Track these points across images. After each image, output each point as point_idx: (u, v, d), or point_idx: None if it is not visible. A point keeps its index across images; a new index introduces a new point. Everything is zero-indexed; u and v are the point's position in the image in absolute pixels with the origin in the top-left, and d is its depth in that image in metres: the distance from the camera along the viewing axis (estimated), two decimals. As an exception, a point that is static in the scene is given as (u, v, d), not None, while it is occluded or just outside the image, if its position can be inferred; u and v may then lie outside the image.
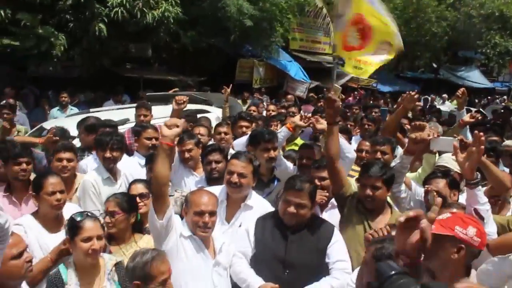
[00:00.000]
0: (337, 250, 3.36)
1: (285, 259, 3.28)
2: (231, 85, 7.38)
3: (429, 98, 20.35)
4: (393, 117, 5.51)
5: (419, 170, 4.66)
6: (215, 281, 3.21)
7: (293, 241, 3.33)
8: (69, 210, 3.55)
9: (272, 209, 3.78)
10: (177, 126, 3.04)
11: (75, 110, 9.57)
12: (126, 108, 7.59)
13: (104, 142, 4.43)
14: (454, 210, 3.16)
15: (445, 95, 20.97)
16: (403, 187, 3.87)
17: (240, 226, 3.63)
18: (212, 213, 3.23)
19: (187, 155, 4.77)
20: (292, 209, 3.30)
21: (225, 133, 5.53)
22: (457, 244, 2.33)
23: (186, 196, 3.39)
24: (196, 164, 4.82)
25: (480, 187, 3.13)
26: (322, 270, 3.34)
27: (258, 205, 3.76)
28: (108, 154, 4.41)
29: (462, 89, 5.44)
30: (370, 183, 3.54)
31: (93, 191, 4.27)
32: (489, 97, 26.40)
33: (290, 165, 4.81)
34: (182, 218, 3.37)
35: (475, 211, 3.08)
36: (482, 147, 2.99)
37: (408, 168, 3.94)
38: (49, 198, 3.46)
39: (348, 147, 4.47)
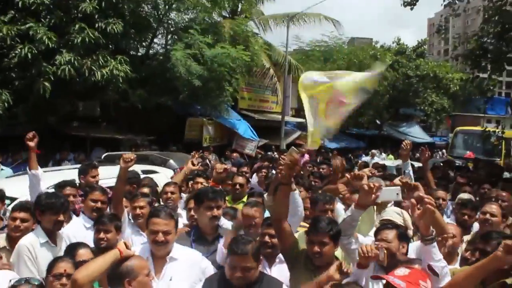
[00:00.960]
0: None
1: None
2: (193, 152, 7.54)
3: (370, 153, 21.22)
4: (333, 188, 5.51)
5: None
6: None
7: None
8: (5, 277, 3.32)
9: (199, 257, 3.85)
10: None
11: (7, 170, 9.12)
12: (72, 168, 7.38)
13: (58, 204, 4.24)
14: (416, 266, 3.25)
15: (373, 151, 21.92)
16: (353, 239, 3.90)
17: (171, 279, 3.61)
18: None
19: (138, 211, 4.79)
20: (238, 274, 3.30)
21: (172, 193, 5.60)
22: None
23: (121, 268, 3.20)
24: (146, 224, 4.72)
25: (435, 243, 3.21)
26: None
27: (183, 255, 3.75)
28: (61, 217, 4.25)
29: (406, 141, 5.69)
30: (318, 239, 3.58)
31: (28, 255, 4.01)
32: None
33: (229, 223, 4.72)
34: None
35: (429, 267, 3.15)
36: (432, 207, 3.15)
37: (358, 221, 3.94)
38: None
39: (301, 204, 4.50)
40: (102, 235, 4.06)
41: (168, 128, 16.31)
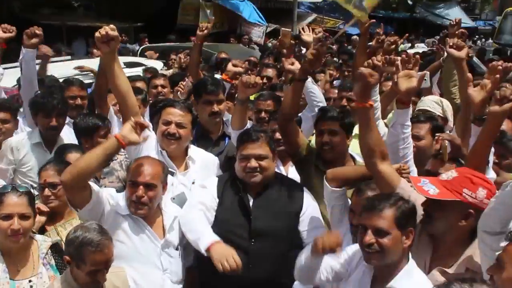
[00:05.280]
0: (311, 217, 3.41)
1: (251, 228, 3.28)
2: None
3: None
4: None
5: (390, 114, 4.55)
6: (164, 264, 3.18)
7: (258, 206, 3.34)
8: None
9: (215, 160, 3.88)
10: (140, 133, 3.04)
11: None
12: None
13: (49, 106, 4.14)
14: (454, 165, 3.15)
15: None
16: (380, 127, 3.77)
17: (193, 183, 3.64)
18: (149, 186, 3.12)
19: None
20: (253, 163, 3.27)
21: (162, 86, 5.58)
22: (465, 210, 2.37)
23: (129, 164, 3.34)
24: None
25: None
26: (293, 236, 3.37)
27: (200, 157, 3.80)
28: (53, 123, 4.16)
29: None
30: (327, 127, 3.60)
31: (7, 155, 4.13)
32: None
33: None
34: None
35: None
36: (498, 76, 2.99)
37: (377, 101, 3.89)
38: None
39: (321, 96, 4.55)
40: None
41: (159, 13, 15.84)
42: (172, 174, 3.54)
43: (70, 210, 3.39)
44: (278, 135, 3.93)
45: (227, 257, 2.99)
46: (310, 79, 4.27)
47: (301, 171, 3.82)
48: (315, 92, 4.45)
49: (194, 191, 3.51)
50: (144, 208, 3.11)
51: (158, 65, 7.68)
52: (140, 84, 5.42)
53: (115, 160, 4.01)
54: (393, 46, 5.43)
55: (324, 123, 3.63)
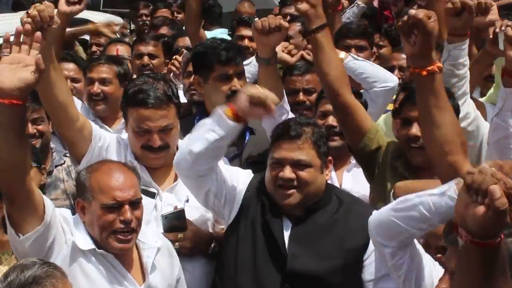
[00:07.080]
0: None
1: (285, 269, 2.69)
2: None
3: None
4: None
5: (492, 90, 3.96)
6: None
7: (298, 238, 2.72)
8: None
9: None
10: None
11: None
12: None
13: None
14: None
15: None
16: (468, 105, 3.11)
17: (187, 201, 3.03)
18: (135, 204, 2.49)
19: (96, 88, 3.83)
20: (287, 172, 2.64)
21: (151, 56, 4.52)
22: None
23: (79, 176, 2.64)
24: (115, 113, 3.88)
25: None
26: (351, 285, 2.72)
27: None
28: None
29: None
30: (416, 114, 2.75)
31: None
32: None
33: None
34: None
35: None
36: None
37: (466, 66, 3.10)
38: None
39: (379, 73, 3.79)
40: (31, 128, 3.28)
41: None
42: (153, 195, 2.93)
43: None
44: (330, 121, 3.37)
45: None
46: (350, 56, 3.71)
47: (369, 172, 3.07)
48: (364, 69, 3.75)
49: None
50: (133, 238, 2.54)
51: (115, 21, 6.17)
52: (122, 49, 4.65)
53: (60, 165, 3.37)
54: None
55: (411, 108, 2.85)
